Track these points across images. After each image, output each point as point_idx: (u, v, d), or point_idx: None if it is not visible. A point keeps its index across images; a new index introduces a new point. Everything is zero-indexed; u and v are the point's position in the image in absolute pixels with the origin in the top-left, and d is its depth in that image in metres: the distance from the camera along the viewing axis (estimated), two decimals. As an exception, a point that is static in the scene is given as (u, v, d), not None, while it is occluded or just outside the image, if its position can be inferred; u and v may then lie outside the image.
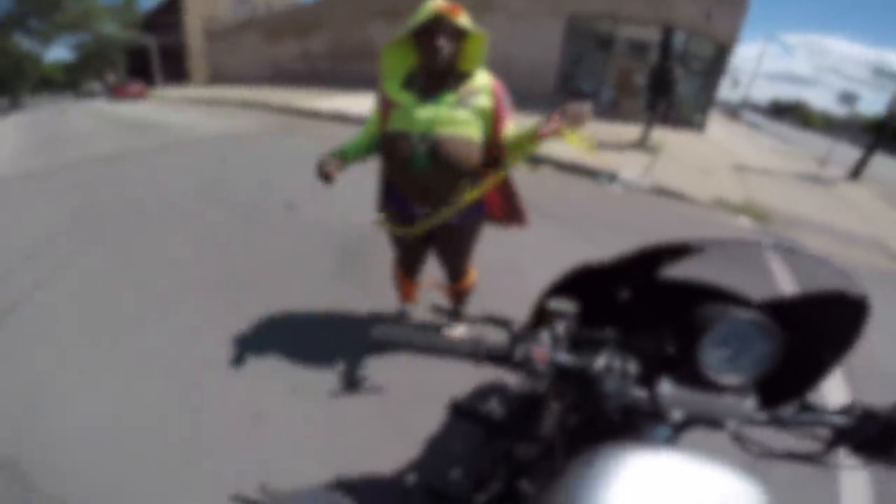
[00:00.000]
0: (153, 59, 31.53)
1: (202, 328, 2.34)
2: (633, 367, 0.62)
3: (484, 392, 1.82)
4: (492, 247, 2.27)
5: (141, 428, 1.76)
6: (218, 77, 30.99)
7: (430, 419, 1.75)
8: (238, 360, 2.11)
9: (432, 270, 2.20)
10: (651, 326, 0.67)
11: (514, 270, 2.95)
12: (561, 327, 0.63)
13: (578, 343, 0.65)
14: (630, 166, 6.26)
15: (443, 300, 2.35)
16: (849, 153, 11.08)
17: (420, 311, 2.40)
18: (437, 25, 1.34)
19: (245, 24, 27.52)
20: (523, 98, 5.73)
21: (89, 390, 1.95)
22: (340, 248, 3.25)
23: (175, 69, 34.75)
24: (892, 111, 9.58)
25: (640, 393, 0.59)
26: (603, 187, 5.60)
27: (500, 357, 0.57)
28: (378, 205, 1.84)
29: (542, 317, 0.67)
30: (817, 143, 20.69)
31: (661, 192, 5.60)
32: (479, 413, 0.96)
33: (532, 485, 0.80)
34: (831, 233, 5.17)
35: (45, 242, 3.40)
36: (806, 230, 5.07)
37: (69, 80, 35.27)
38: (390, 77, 1.54)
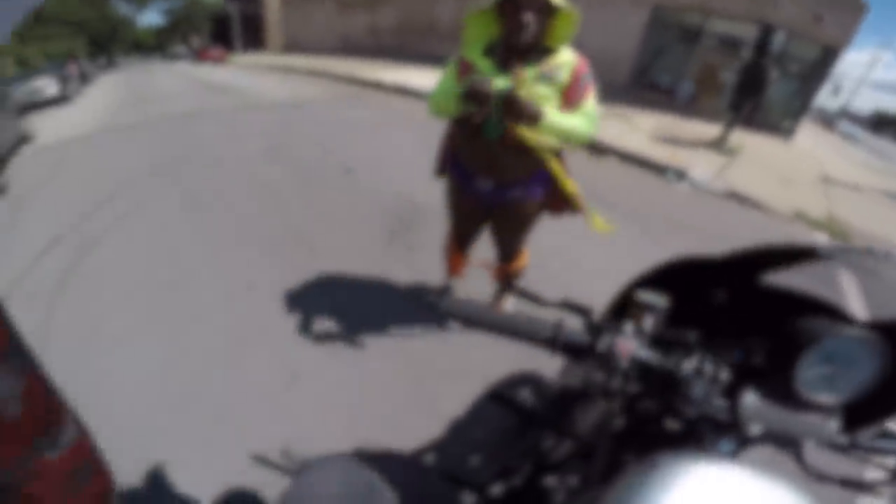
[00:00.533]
0: (234, 26, 33.12)
1: (257, 281, 2.47)
2: (724, 374, 0.57)
3: (519, 380, 1.79)
4: (544, 232, 2.20)
5: (183, 377, 1.85)
6: (292, 46, 32.10)
7: (459, 399, 1.72)
8: (285, 317, 2.19)
9: (483, 250, 2.17)
10: (738, 334, 0.62)
11: (563, 257, 2.86)
12: (649, 322, 0.58)
13: (662, 340, 0.60)
14: (702, 166, 5.85)
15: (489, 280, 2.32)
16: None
17: (463, 287, 2.39)
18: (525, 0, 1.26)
19: (321, -6, 28.14)
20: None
21: (143, 333, 2.08)
22: (392, 216, 3.29)
23: (253, 36, 36.35)
24: None
25: (721, 403, 0.55)
26: (670, 185, 5.28)
27: (579, 347, 0.53)
28: (439, 167, 1.80)
29: (625, 308, 0.62)
30: (923, 163, 18.37)
31: (734, 196, 5.19)
32: (517, 402, 0.92)
33: (560, 484, 0.75)
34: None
35: (127, 186, 3.70)
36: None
37: (158, 44, 37.77)
38: (471, 44, 1.48)
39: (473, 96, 1.31)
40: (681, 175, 5.41)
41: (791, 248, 0.60)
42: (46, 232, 2.98)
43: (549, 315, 0.62)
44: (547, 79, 1.37)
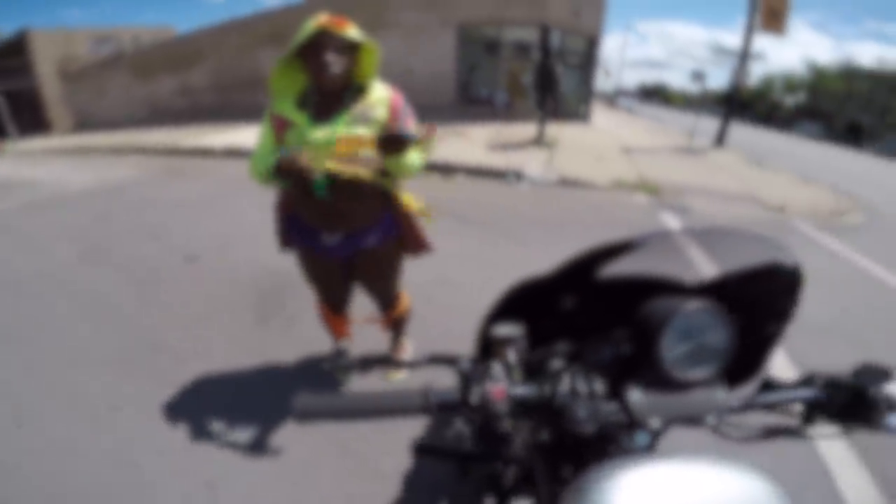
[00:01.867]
0: (1, 108, 27.43)
1: (120, 403, 2.06)
2: (599, 384, 0.58)
3: (444, 423, 1.72)
4: (417, 265, 2.24)
5: None
6: (85, 123, 27.68)
7: (401, 462, 1.64)
8: (171, 430, 1.88)
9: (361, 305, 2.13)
10: (603, 330, 0.65)
11: (446, 283, 2.95)
12: (511, 355, 0.59)
13: (532, 365, 0.61)
14: (533, 163, 6.62)
15: (379, 333, 2.28)
16: (709, 125, 12.71)
17: (355, 345, 2.30)
18: (323, 40, 1.27)
19: (110, 62, 25.16)
20: (426, 109, 5.81)
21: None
22: (258, 295, 3.03)
23: (30, 118, 30.40)
24: (735, 84, 11.16)
25: (611, 407, 0.56)
26: (512, 186, 5.86)
27: (454, 405, 0.52)
28: (281, 239, 1.73)
29: (488, 346, 0.63)
30: (682, 119, 23.49)
31: (566, 183, 5.99)
32: (445, 448, 0.92)
33: None
34: (711, 194, 5.91)
35: None
36: (691, 195, 5.74)
37: None
38: (280, 96, 1.43)
39: (287, 172, 1.30)
40: (519, 175, 6.05)
41: (611, 245, 0.62)
42: None
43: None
44: (364, 120, 1.38)
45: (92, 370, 2.34)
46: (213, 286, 3.23)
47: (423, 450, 0.89)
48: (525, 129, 9.19)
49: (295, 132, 1.38)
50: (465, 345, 0.68)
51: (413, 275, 2.03)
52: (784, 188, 6.74)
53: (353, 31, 1.30)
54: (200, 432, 1.87)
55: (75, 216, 5.72)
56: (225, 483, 1.63)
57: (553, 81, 7.81)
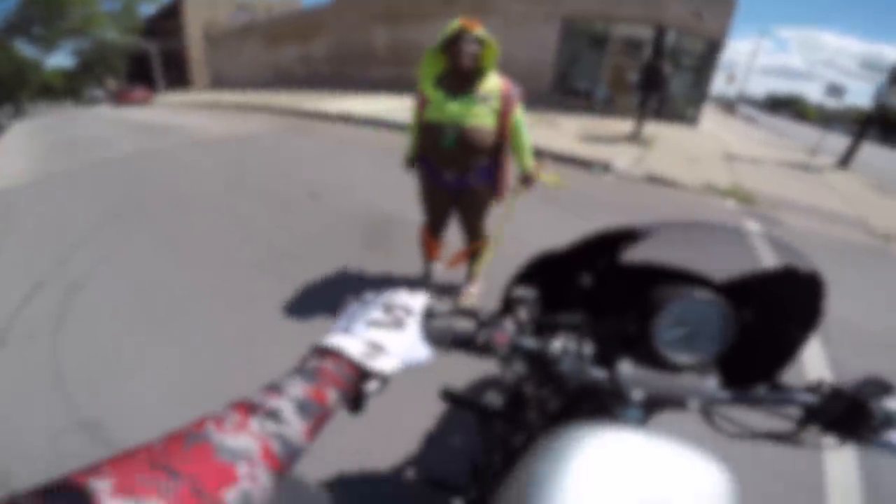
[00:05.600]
0: (155, 64, 31.84)
1: (255, 295, 2.73)
2: (588, 348, 0.65)
3: (480, 385, 1.95)
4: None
5: (208, 386, 1.98)
6: (219, 82, 31.30)
7: (426, 414, 1.80)
8: (289, 319, 2.47)
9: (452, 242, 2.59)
10: (617, 310, 0.70)
11: (519, 241, 3.36)
12: (523, 313, 0.65)
13: (544, 327, 0.68)
14: (622, 157, 6.67)
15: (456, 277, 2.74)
16: (841, 144, 11.45)
17: (440, 269, 2.79)
18: (462, 36, 1.81)
19: (246, 29, 27.80)
20: (522, 95, 6.16)
21: (157, 355, 2.23)
22: (367, 228, 3.68)
23: (176, 75, 35.02)
24: (878, 101, 9.95)
25: (599, 373, 0.62)
26: (597, 177, 6.01)
27: (464, 342, 0.59)
28: (410, 158, 2.33)
29: (508, 304, 0.70)
30: (812, 135, 21.09)
31: (652, 179, 6.01)
32: (470, 400, 0.96)
33: None
34: (814, 213, 5.56)
35: (95, 231, 3.80)
36: (789, 210, 5.45)
37: (69, 87, 35.14)
38: (425, 78, 2.02)
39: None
40: (605, 167, 6.17)
41: (625, 230, 0.67)
42: (25, 279, 3.01)
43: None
44: (484, 101, 1.93)
45: (236, 270, 3.07)
46: (332, 217, 3.95)
47: (450, 397, 0.95)
48: (621, 126, 9.10)
49: (434, 106, 1.96)
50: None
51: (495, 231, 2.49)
52: (906, 218, 6.10)
53: (481, 31, 1.84)
54: (310, 321, 2.45)
55: (219, 155, 6.94)
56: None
57: (660, 81, 7.66)
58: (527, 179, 2.18)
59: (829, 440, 0.59)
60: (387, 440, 1.72)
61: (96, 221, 4.04)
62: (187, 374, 2.10)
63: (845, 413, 0.57)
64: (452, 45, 1.85)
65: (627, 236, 0.68)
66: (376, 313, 0.52)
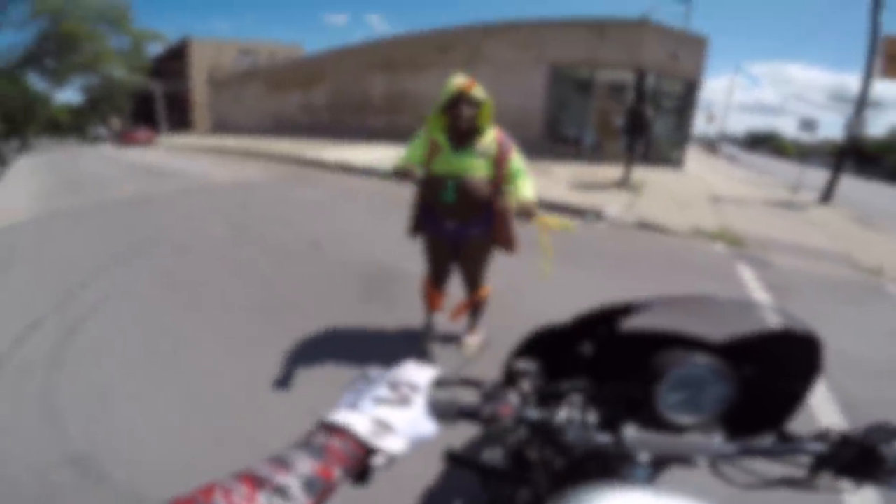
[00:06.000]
0: (158, 105, 32.49)
1: (256, 340, 2.80)
2: (592, 416, 0.67)
3: (481, 443, 1.98)
4: (496, 276, 2.83)
5: (206, 426, 2.01)
6: (220, 126, 31.91)
7: (429, 472, 1.80)
8: (290, 365, 2.52)
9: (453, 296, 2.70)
10: (620, 376, 0.72)
11: (515, 292, 3.49)
12: (526, 385, 0.67)
13: (547, 397, 0.71)
14: (613, 204, 6.93)
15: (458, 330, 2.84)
16: (820, 177, 11.83)
17: (442, 320, 2.85)
18: (460, 98, 1.98)
19: (249, 74, 28.65)
20: (515, 145, 6.46)
21: (156, 391, 2.28)
22: (366, 279, 3.78)
23: (179, 117, 35.82)
24: (849, 134, 10.22)
25: (605, 438, 0.63)
26: (590, 225, 6.23)
27: (469, 414, 0.60)
28: (413, 226, 2.41)
29: (511, 376, 0.73)
30: (791, 170, 21.79)
31: (643, 225, 6.23)
32: (473, 461, 0.96)
33: None
34: (800, 251, 5.73)
35: (96, 272, 3.88)
36: (777, 250, 5.61)
37: (74, 124, 35.30)
38: (433, 129, 2.17)
39: (400, 175, 2.13)
40: (598, 215, 6.41)
41: (624, 304, 0.71)
42: (23, 316, 3.04)
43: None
44: (483, 154, 2.11)
45: (238, 315, 3.15)
46: (332, 268, 4.07)
47: (453, 458, 0.95)
48: (610, 171, 9.44)
49: (442, 158, 2.12)
50: (515, 336, 0.80)
51: (491, 281, 2.61)
52: (887, 250, 6.33)
53: (479, 92, 2.00)
54: (311, 370, 2.50)
55: (221, 202, 7.13)
56: (324, 411, 2.19)
57: (644, 125, 7.99)
58: (526, 213, 2.13)
59: (846, 484, 0.61)
60: (389, 501, 1.71)
61: (97, 262, 4.13)
62: (182, 413, 2.15)
63: (857, 459, 0.58)
64: (452, 107, 2.01)
65: (625, 311, 0.71)
66: (382, 391, 0.52)
